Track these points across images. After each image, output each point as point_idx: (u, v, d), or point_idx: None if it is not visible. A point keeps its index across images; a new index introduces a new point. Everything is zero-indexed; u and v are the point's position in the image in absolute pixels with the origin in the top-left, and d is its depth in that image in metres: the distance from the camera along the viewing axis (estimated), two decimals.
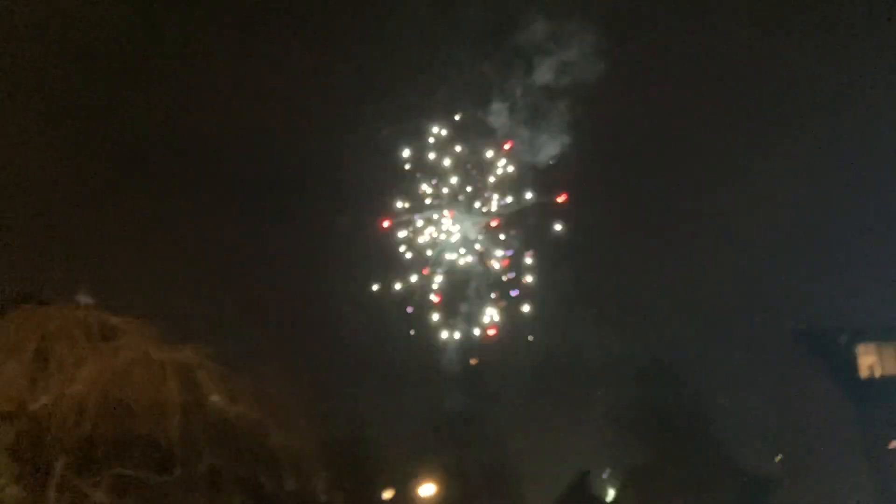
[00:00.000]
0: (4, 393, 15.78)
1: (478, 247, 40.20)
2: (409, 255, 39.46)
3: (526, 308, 40.87)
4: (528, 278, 42.21)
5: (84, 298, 17.67)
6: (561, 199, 38.71)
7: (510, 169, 39.42)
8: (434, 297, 40.03)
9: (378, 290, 38.51)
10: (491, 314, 40.64)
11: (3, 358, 15.88)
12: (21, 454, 16.01)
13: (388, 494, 36.28)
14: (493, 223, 40.47)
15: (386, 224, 38.82)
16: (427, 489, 36.48)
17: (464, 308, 41.97)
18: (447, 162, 38.71)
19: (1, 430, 16.06)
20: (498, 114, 39.14)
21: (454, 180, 39.34)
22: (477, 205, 40.10)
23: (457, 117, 38.31)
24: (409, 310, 41.20)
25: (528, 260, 41.08)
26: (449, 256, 40.29)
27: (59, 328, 16.06)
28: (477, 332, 40.43)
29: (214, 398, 16.99)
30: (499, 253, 40.19)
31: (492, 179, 39.76)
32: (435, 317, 39.93)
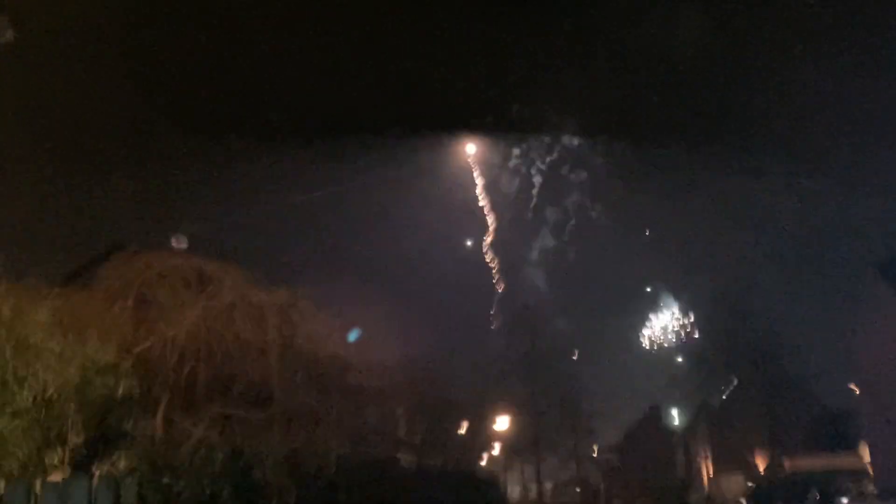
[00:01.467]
0: (111, 336, 16.57)
1: None
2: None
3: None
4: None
5: (179, 246, 18.31)
6: None
7: None
8: None
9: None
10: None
11: (108, 303, 16.60)
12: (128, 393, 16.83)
13: (464, 428, 37.22)
14: None
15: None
16: (502, 423, 37.32)
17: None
18: None
19: (108, 372, 16.90)
20: None
21: None
22: None
23: None
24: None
25: None
26: None
27: (159, 275, 16.70)
28: None
29: (308, 338, 17.58)
30: None
31: None
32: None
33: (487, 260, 43.99)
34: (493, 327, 43.90)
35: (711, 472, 48.41)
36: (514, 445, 42.81)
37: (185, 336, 16.28)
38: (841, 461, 40.31)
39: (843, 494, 29.52)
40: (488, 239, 43.57)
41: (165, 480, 13.07)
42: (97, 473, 13.33)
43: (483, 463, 42.32)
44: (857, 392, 37.80)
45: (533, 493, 45.04)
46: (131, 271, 16.77)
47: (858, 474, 36.93)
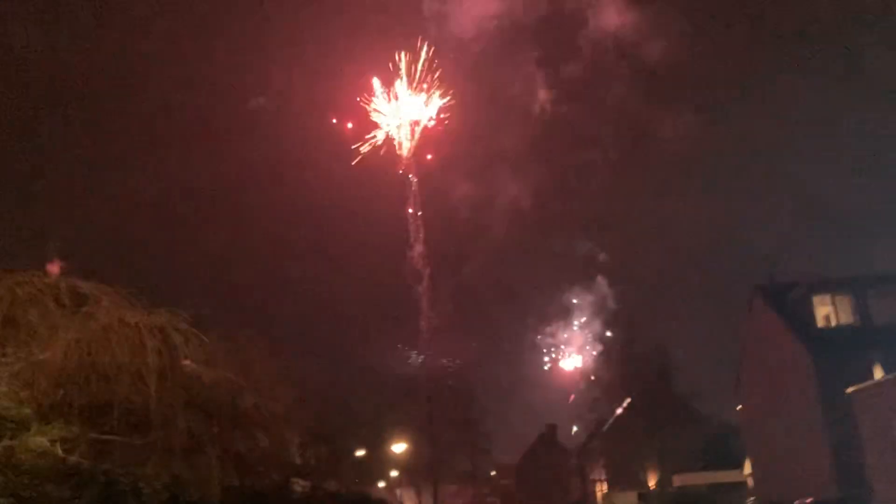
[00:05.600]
0: None
1: None
2: None
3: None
4: None
5: (52, 265, 17.46)
6: None
7: None
8: None
9: None
10: None
11: None
12: None
13: (361, 452, 36.79)
14: None
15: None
16: (399, 447, 37.03)
17: None
18: None
19: None
20: None
21: None
22: None
23: None
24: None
25: None
26: None
27: (28, 295, 15.84)
28: None
29: (190, 361, 17.01)
30: None
31: None
32: None
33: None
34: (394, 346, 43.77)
35: (605, 488, 49.58)
36: (411, 468, 42.60)
37: (59, 359, 15.47)
38: (725, 477, 42.17)
39: None
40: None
41: None
42: None
43: (381, 485, 41.90)
44: (742, 411, 39.70)
45: None
46: None
47: (740, 488, 38.72)
